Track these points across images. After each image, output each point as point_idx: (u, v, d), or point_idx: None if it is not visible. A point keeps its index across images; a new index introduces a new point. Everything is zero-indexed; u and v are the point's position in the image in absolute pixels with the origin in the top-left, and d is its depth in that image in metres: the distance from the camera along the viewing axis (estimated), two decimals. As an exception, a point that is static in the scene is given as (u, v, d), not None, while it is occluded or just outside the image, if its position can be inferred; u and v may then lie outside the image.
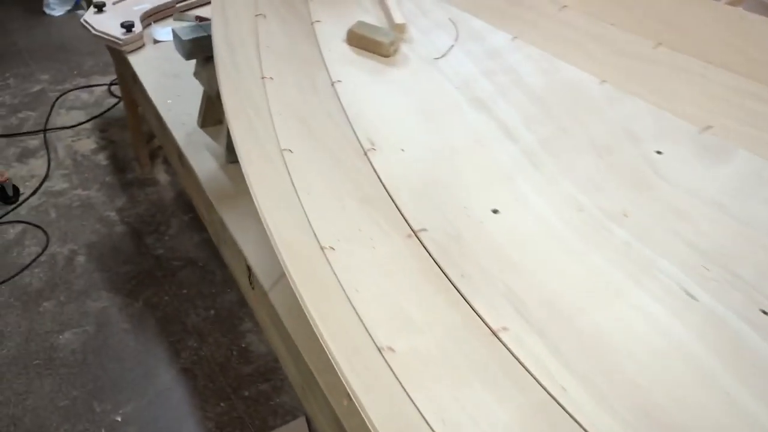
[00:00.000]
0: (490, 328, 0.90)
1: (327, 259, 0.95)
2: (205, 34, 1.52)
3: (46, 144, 2.94)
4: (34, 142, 2.97)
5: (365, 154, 1.20)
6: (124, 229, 2.51)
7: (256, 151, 1.12)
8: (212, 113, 1.71)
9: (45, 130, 3.04)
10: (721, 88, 1.31)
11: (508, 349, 0.86)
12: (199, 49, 1.54)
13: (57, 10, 4.25)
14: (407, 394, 0.79)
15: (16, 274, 2.29)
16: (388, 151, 1.22)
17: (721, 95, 1.30)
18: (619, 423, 0.77)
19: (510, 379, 0.82)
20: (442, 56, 1.49)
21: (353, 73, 1.42)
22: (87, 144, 2.98)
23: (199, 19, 2.27)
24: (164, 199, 2.67)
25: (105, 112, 3.18)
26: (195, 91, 1.76)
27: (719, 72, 1.35)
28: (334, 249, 0.97)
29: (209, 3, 1.72)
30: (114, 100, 3.25)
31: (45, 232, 2.47)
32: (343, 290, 0.91)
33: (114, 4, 2.28)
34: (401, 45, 1.52)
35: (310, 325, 0.85)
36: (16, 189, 2.63)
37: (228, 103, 1.21)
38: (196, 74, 1.66)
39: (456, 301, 0.94)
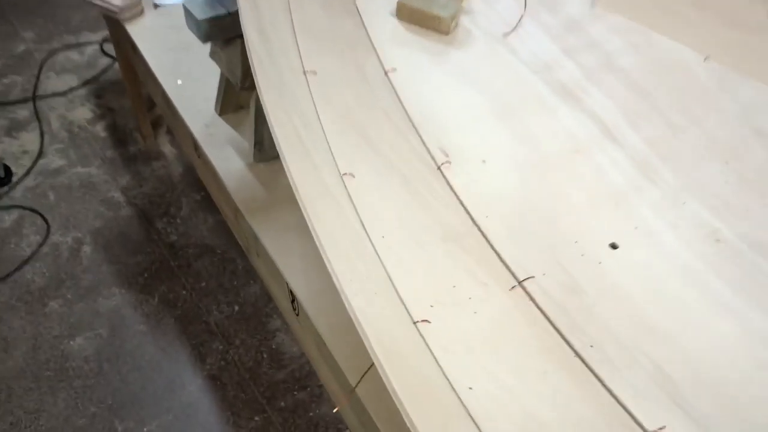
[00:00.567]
0: (644, 430, 0.70)
1: (424, 340, 0.74)
2: (225, 11, 1.26)
3: (37, 114, 2.68)
4: (24, 112, 2.70)
5: (439, 168, 0.98)
6: (130, 211, 2.29)
7: (311, 179, 0.88)
8: (232, 98, 1.47)
9: (34, 98, 2.77)
10: None
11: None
12: (219, 30, 1.28)
13: (36, -43, 3.88)
14: None
15: (17, 270, 2.08)
16: (467, 163, 0.99)
17: None
18: None
19: None
20: (512, 30, 1.24)
21: (409, 57, 1.17)
22: (82, 113, 2.72)
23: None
24: (172, 175, 2.44)
25: (99, 75, 2.90)
26: (210, 68, 1.50)
27: None
28: (429, 322, 0.76)
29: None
30: (107, 61, 2.96)
31: (44, 219, 2.24)
32: (453, 388, 0.70)
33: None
34: (461, 17, 1.26)
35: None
36: (8, 169, 2.39)
37: (270, 108, 0.97)
38: (213, 54, 1.41)
39: (590, 387, 0.74)
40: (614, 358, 0.77)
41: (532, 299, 0.82)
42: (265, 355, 1.86)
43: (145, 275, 2.07)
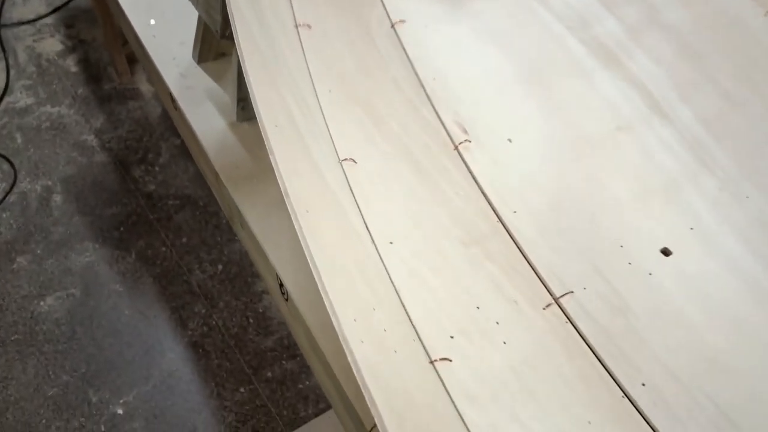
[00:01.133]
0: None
1: (444, 386, 0.60)
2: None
3: (3, 46, 2.45)
4: (-13, 42, 2.48)
5: (456, 148, 0.82)
6: (105, 157, 2.11)
7: (303, 167, 0.72)
8: (212, 44, 1.28)
9: (-1, 27, 2.54)
10: None
11: None
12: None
13: None
14: None
15: (-19, 220, 1.92)
16: (489, 142, 0.83)
17: None
18: None
19: None
20: (541, -25, 1.05)
21: (420, 6, 0.99)
22: (52, 44, 2.49)
23: None
24: (150, 116, 2.25)
25: (69, 1, 2.66)
26: (187, 6, 1.30)
27: None
28: (450, 360, 0.62)
29: None
30: (79, -15, 2.71)
31: (11, 164, 2.07)
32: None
33: None
34: (479, -43, 1.08)
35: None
36: (-30, 107, 2.19)
37: (252, 73, 0.79)
38: (189, -7, 1.21)
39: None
40: (670, 399, 0.64)
41: (570, 321, 0.68)
42: (251, 320, 1.73)
43: (121, 229, 1.92)
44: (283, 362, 1.65)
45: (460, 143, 0.82)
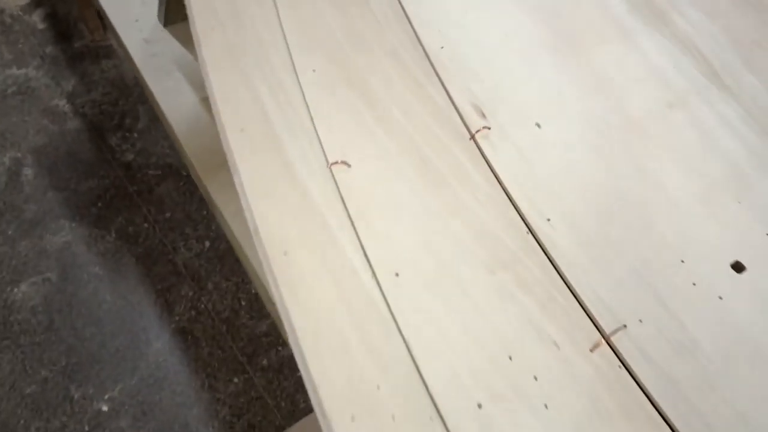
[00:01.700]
0: None
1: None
2: None
3: (-39, 1, 2.25)
4: (-55, -2, 2.27)
5: (472, 137, 0.66)
6: (79, 123, 1.94)
7: (281, 187, 0.57)
8: (180, 3, 1.10)
9: (-43, -20, 2.33)
10: None
11: None
12: None
13: None
14: None
15: (-54, 199, 1.76)
16: (514, 129, 0.68)
17: None
18: None
19: None
20: None
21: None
22: (15, -2, 2.29)
23: None
24: (126, 76, 2.06)
25: (33, -51, 2.43)
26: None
27: None
28: (481, 439, 0.47)
29: None
30: (43, -69, 2.48)
31: (-24, 135, 1.90)
32: None
33: None
34: None
35: None
36: (-71, 72, 2.01)
37: (205, 51, 0.63)
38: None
39: None
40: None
41: (625, 365, 0.54)
42: (243, 303, 1.59)
43: (99, 204, 1.76)
44: (280, 348, 1.52)
45: (478, 131, 0.66)
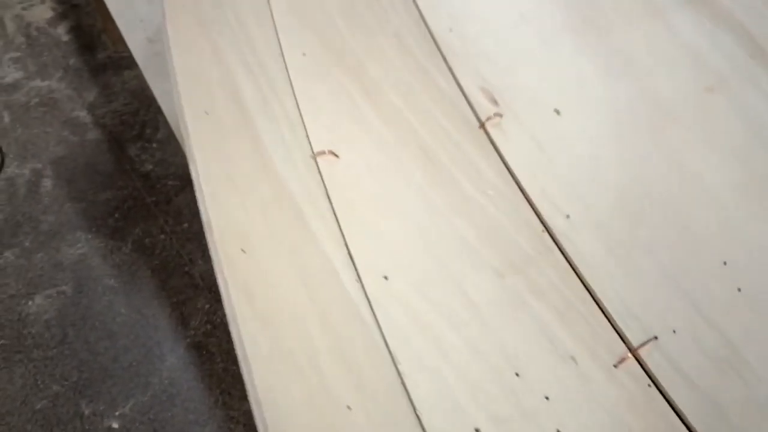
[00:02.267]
0: None
1: None
2: None
3: (-11, 16, 2.26)
4: (-27, 13, 2.29)
5: (482, 126, 0.59)
6: (98, 134, 1.92)
7: (247, 169, 0.50)
8: None
9: (-14, -5, 2.34)
10: None
11: None
12: None
13: None
14: None
15: (-34, 211, 1.75)
16: (529, 116, 0.60)
17: None
18: None
19: None
20: None
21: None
22: (41, 12, 2.29)
23: None
24: (146, 86, 2.01)
25: (60, -37, 2.45)
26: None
27: None
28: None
29: None
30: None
31: (-2, 146, 1.89)
32: None
33: None
34: None
35: None
36: (-46, 85, 2.01)
37: (171, 25, 0.57)
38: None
39: None
40: None
41: (655, 383, 0.46)
42: (259, 316, 1.53)
43: (116, 216, 1.73)
44: (297, 364, 1.45)
45: (488, 119, 0.59)
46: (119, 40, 2.14)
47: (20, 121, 1.95)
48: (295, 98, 0.56)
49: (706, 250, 0.53)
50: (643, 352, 0.48)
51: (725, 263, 0.52)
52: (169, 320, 1.53)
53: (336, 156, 0.53)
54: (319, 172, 0.52)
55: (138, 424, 1.39)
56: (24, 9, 2.30)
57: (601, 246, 0.53)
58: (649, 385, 0.47)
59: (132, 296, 1.58)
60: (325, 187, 0.51)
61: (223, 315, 1.49)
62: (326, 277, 0.44)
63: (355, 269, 0.47)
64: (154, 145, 1.88)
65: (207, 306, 1.56)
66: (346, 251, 0.48)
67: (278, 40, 0.59)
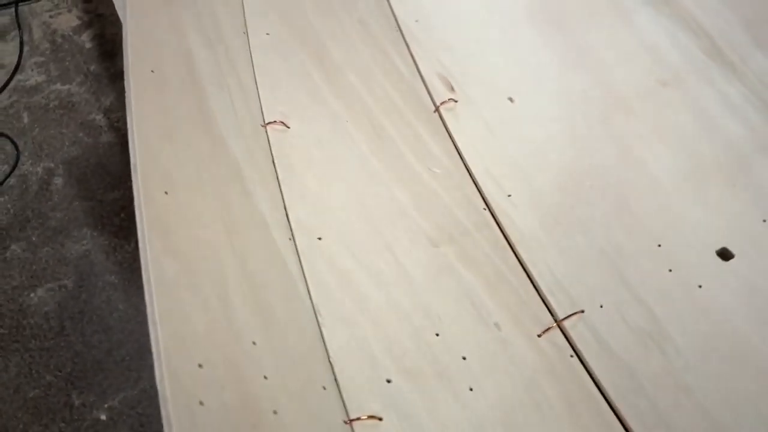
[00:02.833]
0: None
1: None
2: None
3: (18, 21, 2.34)
4: (3, 19, 2.37)
5: (437, 110, 0.61)
6: (112, 137, 1.97)
7: (189, 127, 0.52)
8: None
9: (17, 2, 2.43)
10: None
11: None
12: None
13: None
14: None
15: (-21, 205, 1.80)
16: (483, 102, 0.62)
17: None
18: None
19: None
20: None
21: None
22: (68, 20, 2.37)
23: None
24: (163, 94, 2.09)
25: (89, -26, 2.53)
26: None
27: None
28: (380, 419, 0.41)
29: None
30: (99, -42, 2.58)
31: (15, 145, 1.94)
32: None
33: None
34: None
35: None
36: (-21, 86, 2.09)
37: None
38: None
39: None
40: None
41: (578, 354, 0.47)
42: (253, 318, 1.55)
43: (122, 215, 1.77)
44: (286, 366, 1.46)
45: (443, 103, 0.61)
46: (139, 48, 2.21)
47: (38, 121, 2.01)
48: (254, 72, 0.58)
49: (643, 231, 0.54)
50: (568, 324, 0.49)
51: (660, 245, 0.53)
52: (165, 318, 1.55)
53: (287, 126, 0.55)
54: (268, 139, 0.54)
55: (125, 417, 1.41)
56: (51, 17, 2.38)
57: (538, 223, 0.54)
58: (571, 356, 0.48)
59: (130, 293, 1.60)
60: (271, 153, 0.53)
61: (217, 315, 1.51)
62: (255, 231, 0.46)
63: (291, 229, 0.49)
64: (165, 149, 1.92)
65: (202, 306, 1.57)
66: (283, 212, 0.50)
67: (245, 20, 0.62)
